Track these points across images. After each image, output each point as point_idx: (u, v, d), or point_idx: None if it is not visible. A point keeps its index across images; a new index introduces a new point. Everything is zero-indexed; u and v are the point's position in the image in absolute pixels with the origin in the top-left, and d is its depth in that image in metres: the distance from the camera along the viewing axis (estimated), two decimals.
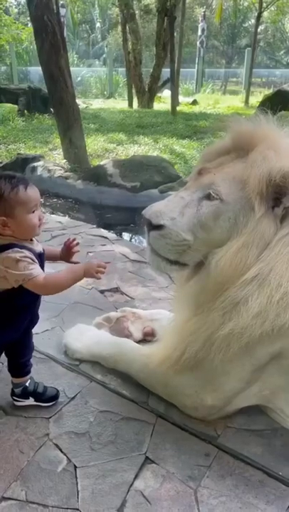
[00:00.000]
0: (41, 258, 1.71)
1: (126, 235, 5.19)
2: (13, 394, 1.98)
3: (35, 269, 1.58)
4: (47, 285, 1.60)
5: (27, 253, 1.58)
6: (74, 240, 1.86)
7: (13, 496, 1.62)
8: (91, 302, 2.88)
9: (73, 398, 2.06)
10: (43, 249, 1.76)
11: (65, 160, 7.00)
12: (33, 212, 1.61)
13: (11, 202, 1.56)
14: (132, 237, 5.17)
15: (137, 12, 15.68)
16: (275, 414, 1.95)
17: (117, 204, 5.81)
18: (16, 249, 1.57)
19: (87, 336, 2.38)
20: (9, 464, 1.74)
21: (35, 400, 1.97)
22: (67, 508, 1.58)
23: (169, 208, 1.71)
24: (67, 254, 1.85)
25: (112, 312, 2.67)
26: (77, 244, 1.87)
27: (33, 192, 1.61)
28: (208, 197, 1.66)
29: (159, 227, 1.69)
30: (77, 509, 1.58)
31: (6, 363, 2.22)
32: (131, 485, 1.67)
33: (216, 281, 1.62)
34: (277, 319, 1.54)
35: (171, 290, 3.04)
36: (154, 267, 1.84)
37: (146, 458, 1.78)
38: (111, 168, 6.18)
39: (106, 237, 4.03)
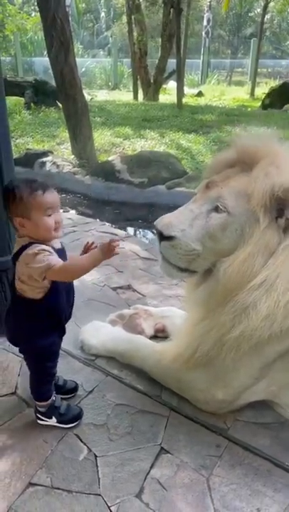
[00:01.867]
0: (60, 254, 1.74)
1: (134, 231, 5.29)
2: (36, 411, 2.00)
3: (53, 258, 1.63)
4: (68, 270, 1.65)
5: (44, 246, 1.65)
6: (92, 243, 1.96)
7: (40, 482, 1.75)
8: (104, 299, 3.00)
9: (91, 392, 2.19)
10: (63, 247, 1.82)
11: (73, 155, 7.08)
12: (49, 215, 1.68)
13: (27, 204, 1.64)
14: (135, 232, 5.26)
15: (142, 2, 15.57)
16: (281, 409, 2.07)
17: (124, 200, 5.91)
18: (32, 245, 1.64)
19: (103, 333, 2.50)
20: (34, 453, 1.87)
21: (58, 421, 1.98)
22: (90, 494, 1.71)
23: (180, 220, 1.83)
24: None
25: (125, 309, 2.79)
26: (96, 247, 1.97)
27: (50, 196, 1.68)
28: (216, 209, 1.78)
29: (169, 238, 1.82)
30: (99, 494, 1.71)
31: None
32: (148, 473, 1.80)
33: (224, 287, 1.74)
34: (284, 321, 1.66)
35: (180, 287, 3.15)
36: (165, 274, 1.98)
37: (162, 448, 1.91)
38: (119, 163, 6.27)
39: (116, 235, 4.13)
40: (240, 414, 2.07)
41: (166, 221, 1.84)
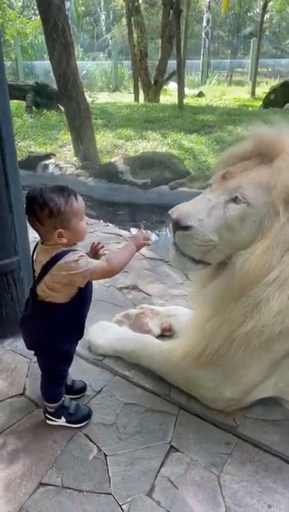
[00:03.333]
0: None
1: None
2: (46, 411, 2.00)
3: (94, 261, 1.67)
4: (112, 267, 1.68)
5: (80, 252, 1.66)
6: (99, 243, 1.97)
7: (50, 481, 1.75)
8: (110, 299, 3.00)
9: (99, 392, 2.20)
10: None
11: (75, 157, 7.10)
12: (83, 219, 1.71)
13: (67, 215, 1.62)
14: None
15: (142, 4, 15.62)
16: None
17: (128, 201, 5.93)
18: (69, 253, 1.64)
19: (110, 333, 2.50)
20: (44, 453, 1.87)
21: (67, 421, 1.98)
22: (101, 493, 1.71)
23: (197, 210, 1.79)
24: (93, 257, 1.96)
25: (131, 309, 2.80)
26: (102, 247, 1.98)
27: (81, 201, 1.69)
28: (235, 200, 1.75)
29: (186, 227, 1.77)
30: (110, 493, 1.71)
31: (34, 359, 2.37)
32: (158, 471, 1.80)
33: (241, 282, 1.71)
34: None
35: (186, 287, 3.16)
36: (178, 266, 1.94)
37: (171, 446, 1.91)
38: (122, 165, 6.29)
39: (120, 235, 4.15)
40: (249, 411, 2.07)
41: (182, 210, 1.79)
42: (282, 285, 1.68)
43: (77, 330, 1.88)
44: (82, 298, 1.79)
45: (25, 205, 1.66)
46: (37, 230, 1.69)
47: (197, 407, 2.09)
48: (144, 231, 1.76)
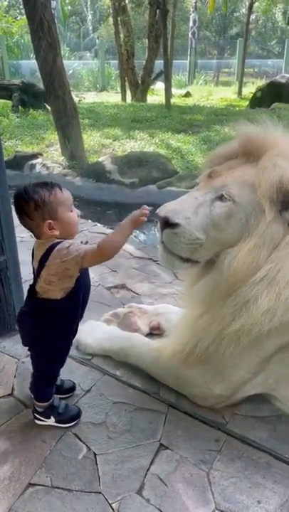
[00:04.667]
0: None
1: None
2: (35, 411, 2.00)
3: (85, 245, 1.64)
4: (103, 250, 1.62)
5: (71, 240, 1.67)
6: (87, 242, 1.95)
7: (39, 482, 1.74)
8: (99, 299, 2.99)
9: (88, 391, 2.19)
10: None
11: (63, 157, 7.07)
12: (72, 211, 1.71)
13: (52, 204, 1.64)
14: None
15: (128, 4, 15.62)
16: (278, 402, 2.09)
17: (116, 200, 5.92)
18: (62, 242, 1.64)
19: (98, 332, 2.49)
20: (33, 453, 1.86)
21: (56, 421, 1.97)
22: (91, 492, 1.71)
23: (184, 208, 1.79)
24: None
25: (120, 308, 2.79)
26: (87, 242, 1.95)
27: (67, 192, 1.70)
28: (221, 198, 1.76)
29: (173, 225, 1.78)
30: (100, 492, 1.70)
31: (22, 359, 2.36)
32: (148, 469, 1.80)
33: (229, 280, 1.72)
34: (285, 315, 1.66)
35: (175, 285, 3.16)
36: (166, 264, 1.94)
37: (161, 444, 1.91)
38: (109, 164, 6.28)
39: (103, 233, 4.13)
40: (238, 408, 2.08)
41: (170, 208, 1.80)
42: (271, 284, 1.69)
43: (71, 328, 1.87)
44: (77, 295, 1.78)
45: (13, 206, 1.67)
46: (29, 228, 1.70)
47: (186, 405, 2.10)
48: (146, 208, 1.66)
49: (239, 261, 1.72)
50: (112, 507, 1.66)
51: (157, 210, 1.84)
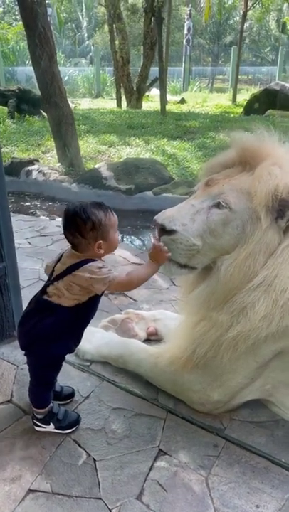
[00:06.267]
0: None
1: (122, 237, 5.31)
2: (34, 418, 2.00)
3: (115, 272, 1.73)
4: (131, 280, 1.77)
5: (105, 263, 1.75)
6: None
7: (40, 488, 1.75)
8: None
9: (87, 397, 2.20)
10: None
11: (59, 163, 7.09)
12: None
13: (107, 227, 1.72)
14: (122, 238, 5.27)
15: (123, 12, 15.74)
16: (275, 408, 2.11)
17: (112, 206, 5.86)
18: (97, 261, 1.73)
19: (96, 338, 2.51)
20: (33, 460, 1.87)
21: (56, 428, 1.99)
22: (90, 498, 1.72)
23: (181, 215, 1.84)
24: None
25: (117, 314, 2.81)
26: None
27: (115, 215, 1.78)
28: (218, 205, 1.80)
29: (171, 232, 1.82)
30: (100, 498, 1.72)
31: (20, 366, 2.36)
32: (147, 475, 1.81)
33: (226, 286, 1.76)
34: (282, 321, 1.69)
35: (172, 292, 3.19)
36: (164, 271, 1.97)
37: (160, 450, 1.93)
38: (105, 171, 6.31)
39: None
40: (235, 413, 2.11)
41: (167, 215, 1.84)
42: (267, 290, 1.73)
43: (73, 337, 1.89)
44: (86, 310, 1.82)
45: (65, 221, 1.73)
46: (75, 244, 1.75)
47: (185, 411, 2.12)
48: (156, 242, 1.79)
49: (236, 267, 1.76)
50: None
51: (155, 217, 1.88)
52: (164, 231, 1.84)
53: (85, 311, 1.83)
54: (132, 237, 5.36)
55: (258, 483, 1.79)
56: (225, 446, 1.96)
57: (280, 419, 2.09)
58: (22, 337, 1.89)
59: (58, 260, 1.82)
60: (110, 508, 1.68)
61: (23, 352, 1.94)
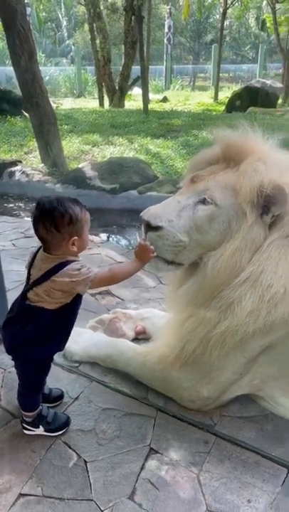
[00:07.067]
0: None
1: (108, 237, 5.29)
2: (23, 421, 1.98)
3: (95, 269, 1.71)
4: (114, 275, 1.75)
5: (82, 262, 1.72)
6: None
7: (30, 492, 1.73)
8: (84, 306, 2.89)
9: (77, 398, 2.19)
10: None
11: (42, 164, 7.03)
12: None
13: (82, 222, 1.69)
14: (108, 237, 5.26)
15: (103, 10, 15.69)
16: (264, 402, 2.13)
17: (97, 206, 5.88)
18: (73, 263, 1.69)
19: (84, 339, 2.49)
20: (23, 464, 1.85)
21: (45, 430, 1.96)
22: (82, 500, 1.71)
23: (167, 211, 1.84)
24: None
25: (105, 314, 2.80)
26: None
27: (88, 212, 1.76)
28: (204, 202, 1.81)
29: (157, 228, 1.82)
30: (92, 499, 1.70)
31: (8, 369, 2.34)
32: (139, 474, 1.81)
33: (212, 282, 1.77)
34: (268, 316, 1.71)
35: (159, 290, 3.19)
36: (151, 267, 1.96)
37: (151, 449, 1.92)
38: (89, 170, 6.27)
39: (91, 241, 4.13)
40: (225, 409, 2.11)
41: (153, 211, 1.84)
42: (253, 285, 1.74)
43: (57, 340, 1.87)
44: (70, 310, 1.81)
45: (39, 214, 1.67)
46: (47, 240, 1.70)
47: (175, 409, 2.12)
48: (143, 242, 1.77)
49: (222, 263, 1.76)
50: None
51: (141, 214, 1.88)
52: (150, 227, 1.84)
53: (70, 311, 1.82)
54: (118, 236, 5.35)
55: (249, 477, 1.80)
56: (215, 442, 1.96)
57: (269, 413, 2.11)
58: (7, 341, 1.86)
59: (32, 260, 1.78)
60: (102, 509, 1.67)
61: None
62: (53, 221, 1.66)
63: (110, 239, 5.21)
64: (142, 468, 1.84)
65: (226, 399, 2.10)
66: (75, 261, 1.71)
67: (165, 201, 1.92)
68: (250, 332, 1.78)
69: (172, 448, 1.93)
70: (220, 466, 1.85)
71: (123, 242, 5.17)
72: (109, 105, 14.73)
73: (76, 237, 1.69)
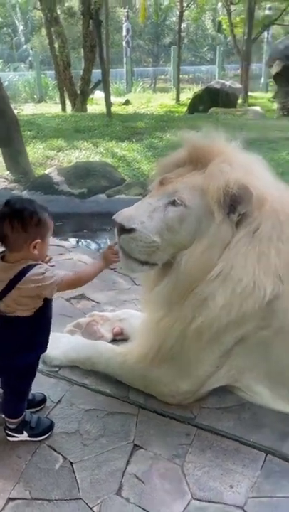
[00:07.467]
0: None
1: (77, 241, 5.29)
2: (6, 428, 1.99)
3: (60, 272, 1.73)
4: (80, 278, 1.80)
5: (46, 265, 1.74)
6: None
7: (19, 496, 1.75)
8: (60, 311, 3.00)
9: (59, 402, 2.22)
10: None
11: (8, 171, 6.96)
12: None
13: (46, 226, 1.72)
14: (78, 242, 5.27)
15: (60, 15, 15.62)
16: (241, 392, 2.22)
17: (66, 211, 5.88)
18: (36, 267, 1.70)
19: (63, 343, 2.52)
20: (9, 470, 1.86)
21: (29, 435, 1.98)
22: (71, 499, 1.74)
23: (139, 213, 1.91)
24: None
25: (82, 318, 2.83)
26: (50, 259, 2.01)
27: None
28: (173, 203, 1.88)
29: (130, 230, 1.88)
30: (80, 498, 1.75)
31: None
32: (124, 470, 1.86)
33: (186, 279, 1.85)
34: (240, 308, 1.80)
35: (133, 292, 3.24)
36: (125, 268, 2.03)
37: (135, 445, 1.98)
38: (56, 176, 6.27)
39: (63, 246, 4.15)
40: (204, 402, 2.19)
41: (126, 214, 1.90)
42: (225, 281, 1.83)
43: (40, 342, 1.90)
44: (46, 312, 1.84)
45: (8, 212, 1.68)
46: (12, 238, 1.69)
47: (156, 405, 2.18)
48: (113, 244, 1.86)
49: (194, 260, 1.85)
50: (93, 510, 1.70)
51: (113, 217, 1.93)
52: (123, 230, 1.89)
53: (45, 314, 1.84)
54: (88, 240, 5.37)
55: (230, 464, 1.89)
56: (196, 433, 2.04)
57: (245, 402, 2.20)
58: None
59: None
60: (91, 506, 1.72)
61: None
62: (22, 220, 1.67)
63: (81, 243, 5.22)
64: (127, 464, 1.89)
65: (205, 391, 2.18)
66: (37, 264, 1.72)
67: (136, 204, 1.98)
68: (224, 325, 1.87)
69: (155, 443, 1.99)
70: (202, 456, 1.93)
71: (94, 246, 5.20)
72: (72, 109, 14.68)
73: (39, 240, 1.71)
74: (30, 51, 25.75)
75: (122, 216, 1.90)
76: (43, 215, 1.72)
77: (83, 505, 1.72)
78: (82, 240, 5.31)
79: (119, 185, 6.06)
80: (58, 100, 15.93)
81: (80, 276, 1.81)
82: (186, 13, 20.46)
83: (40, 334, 1.90)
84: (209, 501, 1.74)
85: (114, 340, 2.65)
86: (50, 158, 7.96)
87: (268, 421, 2.09)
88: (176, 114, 13.31)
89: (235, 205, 1.82)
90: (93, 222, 5.66)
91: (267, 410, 2.14)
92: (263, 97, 18.82)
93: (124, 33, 24.04)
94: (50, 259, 1.98)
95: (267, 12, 20.17)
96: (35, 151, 8.21)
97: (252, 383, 2.17)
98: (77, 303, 3.15)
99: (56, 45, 14.58)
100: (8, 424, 1.98)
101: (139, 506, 1.71)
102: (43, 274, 1.69)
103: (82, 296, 3.21)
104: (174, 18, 27.47)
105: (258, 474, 1.84)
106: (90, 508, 1.71)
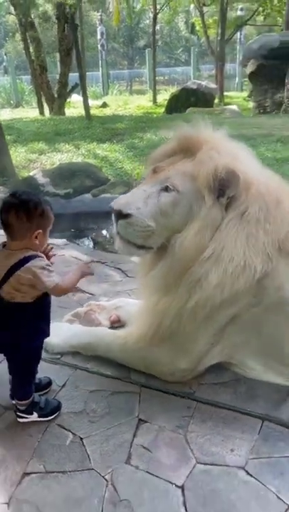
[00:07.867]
0: None
1: (68, 241, 5.37)
2: (17, 410, 2.09)
3: (58, 277, 1.81)
4: (65, 289, 1.86)
5: (47, 261, 1.83)
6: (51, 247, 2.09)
7: (34, 470, 1.86)
8: (57, 303, 3.05)
9: (64, 385, 2.32)
10: None
11: None
12: None
13: (48, 218, 1.83)
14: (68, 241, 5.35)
15: (35, 19, 15.65)
16: (236, 368, 2.35)
17: (53, 212, 5.99)
18: (37, 258, 1.79)
19: (64, 331, 2.63)
20: (23, 448, 1.96)
21: (39, 416, 2.07)
22: (83, 470, 1.86)
23: (134, 199, 2.04)
24: None
25: (79, 308, 2.94)
26: (52, 248, 2.10)
27: None
28: (166, 189, 2.02)
29: (126, 216, 2.01)
30: (92, 468, 1.86)
31: None
32: (132, 442, 1.98)
33: (181, 260, 1.98)
34: (232, 287, 1.94)
35: (126, 283, 3.36)
36: (124, 252, 2.17)
37: (140, 419, 2.10)
38: (41, 177, 6.36)
39: (54, 244, 4.23)
40: (202, 378, 2.33)
41: (122, 201, 2.04)
42: (217, 260, 1.97)
43: (44, 327, 2.00)
44: (47, 298, 1.94)
45: (15, 202, 1.76)
46: (16, 227, 1.77)
47: (156, 383, 2.31)
48: (90, 265, 1.94)
49: (188, 242, 1.99)
50: (105, 478, 1.82)
51: (111, 204, 2.06)
52: (120, 216, 2.02)
53: (45, 299, 1.94)
54: (77, 240, 5.45)
55: (229, 431, 2.03)
56: (197, 406, 2.17)
57: (241, 377, 2.34)
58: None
59: None
60: (103, 475, 1.83)
61: None
62: (27, 210, 1.77)
63: (70, 242, 5.30)
64: (134, 436, 2.01)
65: (202, 369, 2.31)
66: (38, 256, 1.81)
67: (132, 191, 2.12)
68: (218, 304, 2.01)
69: (159, 416, 2.12)
70: (203, 426, 2.06)
71: (85, 242, 5.28)
72: (50, 113, 14.74)
73: (41, 231, 1.81)
74: (5, 56, 25.62)
75: (119, 203, 2.03)
76: (47, 207, 1.83)
77: (95, 475, 1.83)
78: (73, 239, 5.39)
79: (104, 185, 6.19)
80: (34, 105, 16.00)
81: (67, 287, 1.86)
82: (159, 15, 20.74)
83: (43, 319, 1.99)
84: (213, 464, 1.87)
85: (111, 328, 2.75)
86: (33, 161, 8.04)
87: (262, 392, 2.24)
88: (154, 115, 13.51)
89: (224, 188, 1.96)
90: (80, 221, 5.76)
91: (261, 383, 2.28)
92: (238, 96, 19.24)
93: (98, 36, 24.19)
94: (52, 248, 2.07)
95: (239, 13, 20.61)
96: (17, 155, 8.28)
97: (245, 359, 2.31)
98: (72, 296, 3.24)
99: (31, 50, 14.62)
100: (18, 407, 2.08)
101: (148, 472, 1.84)
102: (43, 268, 1.77)
103: (77, 290, 3.30)
104: (148, 21, 27.78)
105: (256, 438, 1.98)
106: (103, 477, 1.82)
